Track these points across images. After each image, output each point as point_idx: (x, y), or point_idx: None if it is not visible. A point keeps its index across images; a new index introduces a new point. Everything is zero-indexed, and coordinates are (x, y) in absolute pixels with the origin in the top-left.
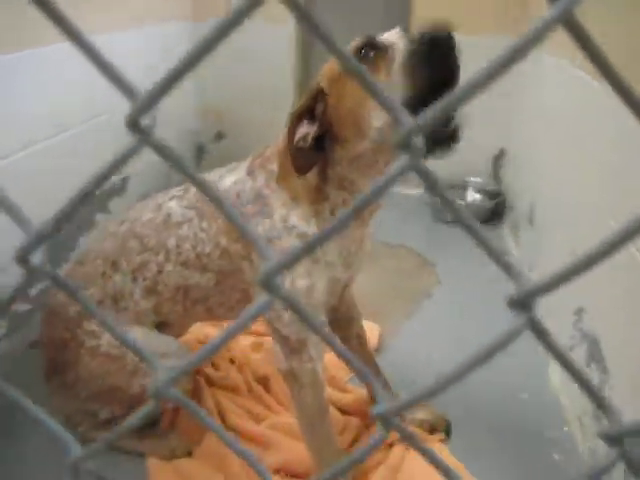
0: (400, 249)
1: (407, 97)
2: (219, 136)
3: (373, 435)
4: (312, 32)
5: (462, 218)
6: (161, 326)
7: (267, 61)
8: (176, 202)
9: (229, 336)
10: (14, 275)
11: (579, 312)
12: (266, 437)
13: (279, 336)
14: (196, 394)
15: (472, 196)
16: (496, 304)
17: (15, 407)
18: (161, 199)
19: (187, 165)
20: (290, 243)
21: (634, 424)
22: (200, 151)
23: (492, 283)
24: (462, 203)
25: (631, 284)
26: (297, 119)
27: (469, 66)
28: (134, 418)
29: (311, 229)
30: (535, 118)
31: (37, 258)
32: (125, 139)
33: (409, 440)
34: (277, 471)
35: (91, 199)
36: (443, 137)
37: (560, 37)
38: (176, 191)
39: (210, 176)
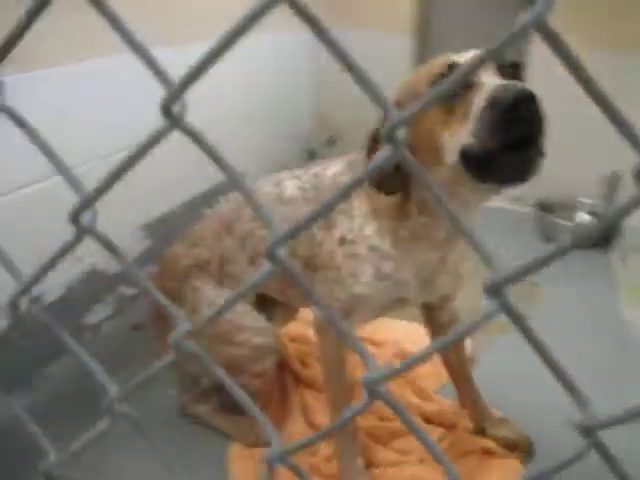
0: None
1: (476, 147)
2: (331, 142)
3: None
4: (325, 42)
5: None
6: (269, 304)
7: (381, 68)
8: (293, 181)
9: (231, 302)
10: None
11: None
12: None
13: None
14: (283, 391)
15: (581, 217)
16: (594, 327)
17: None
18: (284, 176)
19: (217, 152)
20: (361, 251)
21: (608, 417)
22: (312, 156)
23: (594, 307)
24: (568, 224)
25: None
26: (373, 141)
27: None
28: (153, 367)
29: (384, 244)
30: None
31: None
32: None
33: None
34: None
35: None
36: (516, 164)
37: None
38: (298, 171)
39: (315, 167)
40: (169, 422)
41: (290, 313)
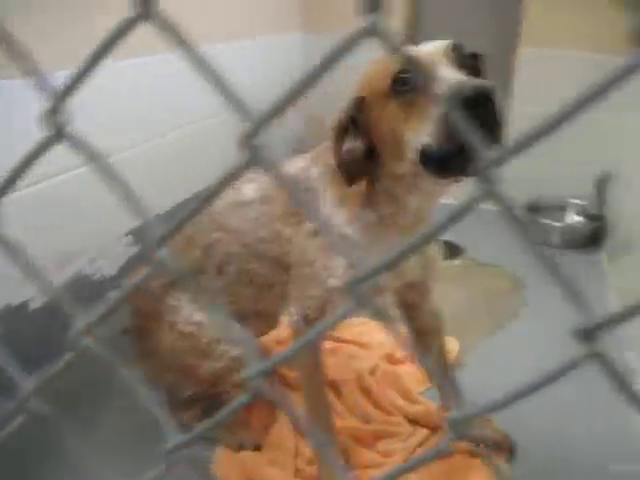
0: (492, 268)
1: (435, 148)
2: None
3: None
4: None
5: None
6: (250, 316)
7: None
8: (252, 184)
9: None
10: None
11: None
12: None
13: (301, 307)
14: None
15: (571, 218)
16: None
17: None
18: (243, 181)
19: (293, 183)
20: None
21: (610, 316)
22: None
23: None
24: (559, 225)
25: None
26: (340, 131)
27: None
28: (230, 408)
29: (353, 233)
30: None
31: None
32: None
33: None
34: None
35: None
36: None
37: None
38: (255, 175)
39: (286, 165)
40: (153, 426)
41: (270, 321)
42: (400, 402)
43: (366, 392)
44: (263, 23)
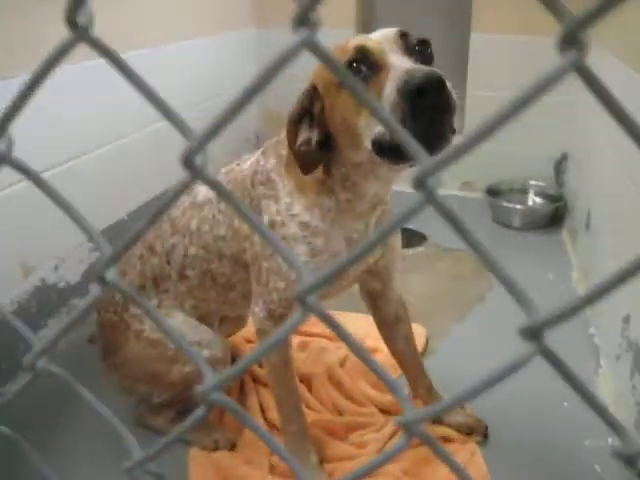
0: (456, 252)
1: (387, 136)
2: None
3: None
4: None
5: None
6: (217, 318)
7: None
8: (205, 186)
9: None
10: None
11: (627, 320)
12: None
13: (264, 303)
14: (241, 389)
15: (532, 200)
16: (548, 307)
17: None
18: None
19: (237, 200)
20: (292, 231)
21: (552, 314)
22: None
23: (548, 288)
24: (520, 207)
25: None
26: (294, 122)
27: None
28: (187, 423)
29: (313, 219)
30: (598, 121)
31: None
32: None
33: (432, 447)
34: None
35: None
36: (427, 144)
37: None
38: None
39: (224, 168)
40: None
41: (237, 322)
42: (371, 392)
43: (337, 384)
44: (219, 21)
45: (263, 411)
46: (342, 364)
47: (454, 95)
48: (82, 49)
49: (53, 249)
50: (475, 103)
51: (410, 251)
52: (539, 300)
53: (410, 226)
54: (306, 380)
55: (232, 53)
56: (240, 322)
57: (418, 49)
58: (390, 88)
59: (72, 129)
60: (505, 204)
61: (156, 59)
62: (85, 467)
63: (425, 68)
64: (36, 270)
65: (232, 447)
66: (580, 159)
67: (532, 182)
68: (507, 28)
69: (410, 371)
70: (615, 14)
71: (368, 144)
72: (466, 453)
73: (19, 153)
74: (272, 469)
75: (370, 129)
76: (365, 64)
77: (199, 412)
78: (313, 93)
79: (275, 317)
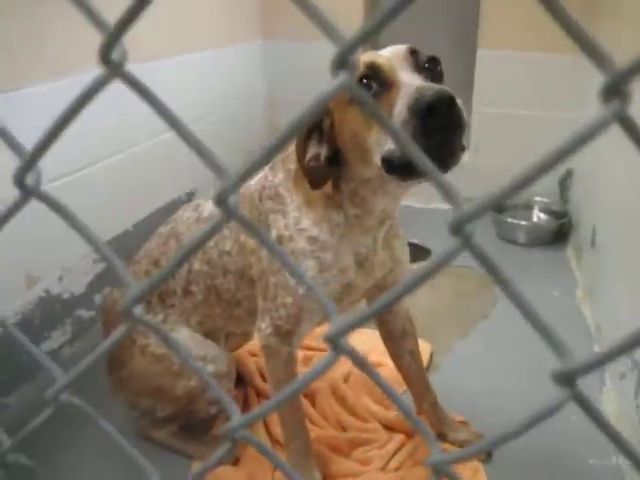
0: (460, 269)
1: (397, 154)
2: None
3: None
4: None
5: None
6: (223, 334)
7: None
8: (210, 202)
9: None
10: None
11: None
12: None
13: (271, 319)
14: (245, 403)
15: (537, 216)
16: (553, 325)
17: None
18: (202, 200)
19: (266, 236)
20: (301, 245)
21: (588, 360)
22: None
23: (553, 305)
24: (525, 223)
25: None
26: (303, 139)
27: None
28: (213, 459)
29: (322, 234)
30: (603, 138)
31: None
32: None
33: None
34: None
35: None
36: (437, 162)
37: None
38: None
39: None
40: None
41: (243, 337)
42: (375, 408)
43: (341, 400)
44: (226, 33)
45: (267, 426)
46: (346, 379)
47: (464, 113)
48: (90, 58)
49: (58, 260)
50: (481, 119)
51: (415, 266)
52: (543, 317)
53: (415, 241)
54: (310, 395)
55: (239, 65)
56: (246, 337)
57: (428, 66)
58: (401, 106)
59: (82, 139)
60: (510, 220)
61: (163, 71)
62: None
63: (436, 86)
64: (40, 281)
65: (235, 462)
66: (585, 175)
67: (537, 198)
68: (514, 45)
69: (415, 386)
70: None
71: (378, 160)
72: (470, 471)
73: None
74: None
75: (380, 146)
76: (375, 81)
77: (224, 449)
78: (323, 109)
79: (282, 333)
